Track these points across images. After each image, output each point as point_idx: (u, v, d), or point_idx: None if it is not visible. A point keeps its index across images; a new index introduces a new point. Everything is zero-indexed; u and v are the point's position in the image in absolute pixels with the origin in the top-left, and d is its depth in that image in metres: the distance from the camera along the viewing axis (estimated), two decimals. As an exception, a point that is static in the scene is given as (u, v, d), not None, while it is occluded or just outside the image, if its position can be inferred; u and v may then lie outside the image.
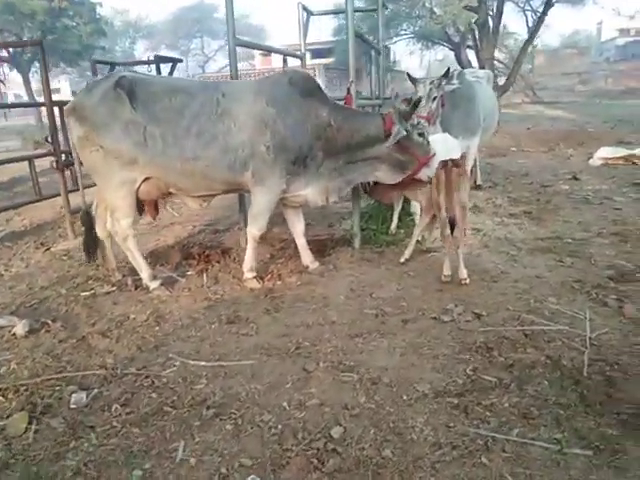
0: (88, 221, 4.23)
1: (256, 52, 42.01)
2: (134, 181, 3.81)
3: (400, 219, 5.19)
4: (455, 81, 5.69)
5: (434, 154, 4.07)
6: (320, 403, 2.56)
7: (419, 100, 4.24)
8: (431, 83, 5.21)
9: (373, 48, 6.98)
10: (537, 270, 4.17)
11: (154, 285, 4.04)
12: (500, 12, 11.42)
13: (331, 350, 3.05)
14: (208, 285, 4.16)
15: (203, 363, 2.95)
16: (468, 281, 3.93)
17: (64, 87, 46.58)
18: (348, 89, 4.37)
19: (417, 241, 4.54)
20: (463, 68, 29.42)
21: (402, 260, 4.43)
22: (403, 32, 34.20)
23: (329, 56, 36.00)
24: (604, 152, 8.66)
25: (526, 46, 14.52)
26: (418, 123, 4.13)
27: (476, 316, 3.42)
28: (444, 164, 3.82)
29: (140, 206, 4.12)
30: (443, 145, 4.72)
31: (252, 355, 3.05)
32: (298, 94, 3.84)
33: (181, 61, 9.09)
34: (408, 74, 5.42)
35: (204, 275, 4.35)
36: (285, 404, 2.56)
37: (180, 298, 3.95)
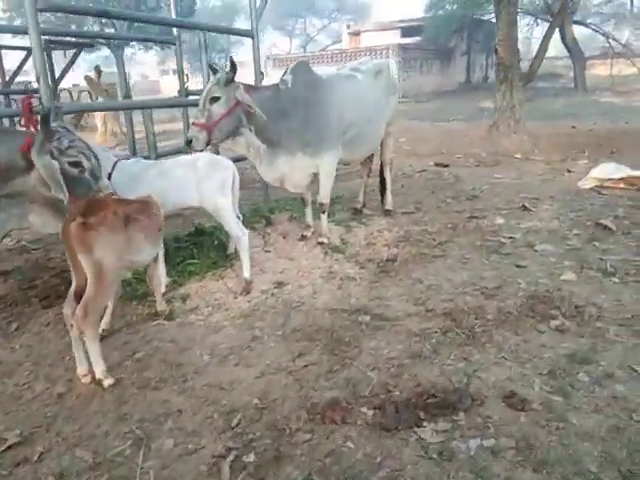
0: None
1: (344, 31, 40.35)
2: None
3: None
4: (288, 77, 4.22)
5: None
6: None
7: (46, 113, 2.91)
8: (217, 80, 3.83)
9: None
10: (240, 374, 2.85)
11: None
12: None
13: None
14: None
15: None
16: (107, 384, 2.75)
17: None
18: (25, 99, 3.23)
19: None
20: (568, 48, 25.13)
21: (101, 330, 3.31)
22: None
23: (420, 34, 33.42)
24: (601, 171, 6.55)
25: (549, 33, 11.43)
26: (68, 147, 2.90)
27: (24, 459, 2.27)
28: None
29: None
30: (181, 172, 3.52)
31: None
32: None
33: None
34: (210, 65, 4.06)
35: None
36: None
37: None
